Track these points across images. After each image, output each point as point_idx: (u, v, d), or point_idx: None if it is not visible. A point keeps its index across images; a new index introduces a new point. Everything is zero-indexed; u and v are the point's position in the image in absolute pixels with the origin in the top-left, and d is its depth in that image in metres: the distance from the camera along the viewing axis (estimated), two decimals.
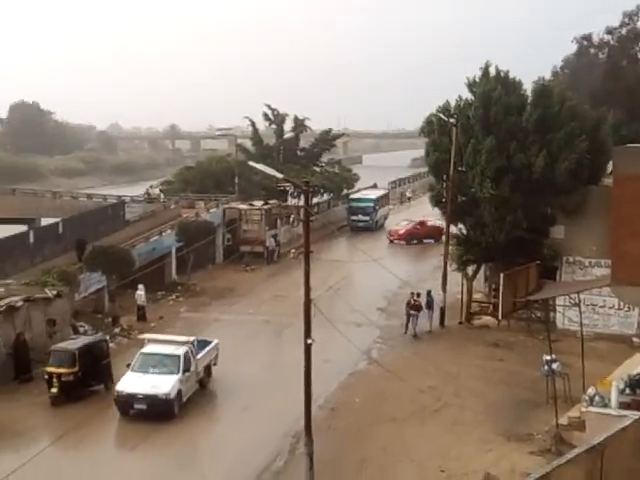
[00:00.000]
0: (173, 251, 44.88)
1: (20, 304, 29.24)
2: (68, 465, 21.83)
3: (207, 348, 28.42)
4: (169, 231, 44.99)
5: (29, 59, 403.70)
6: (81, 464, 22.10)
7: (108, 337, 31.29)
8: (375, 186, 78.26)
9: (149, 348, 27.01)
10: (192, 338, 27.40)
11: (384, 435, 23.87)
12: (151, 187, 60.45)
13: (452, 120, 35.50)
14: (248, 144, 71.34)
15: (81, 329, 32.95)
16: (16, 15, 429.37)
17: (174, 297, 41.57)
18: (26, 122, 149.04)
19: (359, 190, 72.01)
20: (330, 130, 74.43)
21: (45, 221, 46.39)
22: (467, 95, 36.50)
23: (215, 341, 29.33)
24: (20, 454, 20.84)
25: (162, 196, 56.04)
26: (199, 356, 27.34)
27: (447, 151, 35.53)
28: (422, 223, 59.05)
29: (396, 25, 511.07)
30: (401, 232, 59.05)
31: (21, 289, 30.94)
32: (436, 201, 37.98)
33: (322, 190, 66.33)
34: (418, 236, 58.42)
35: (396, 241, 58.48)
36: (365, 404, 26.64)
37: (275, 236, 53.15)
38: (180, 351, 26.38)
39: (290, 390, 23.81)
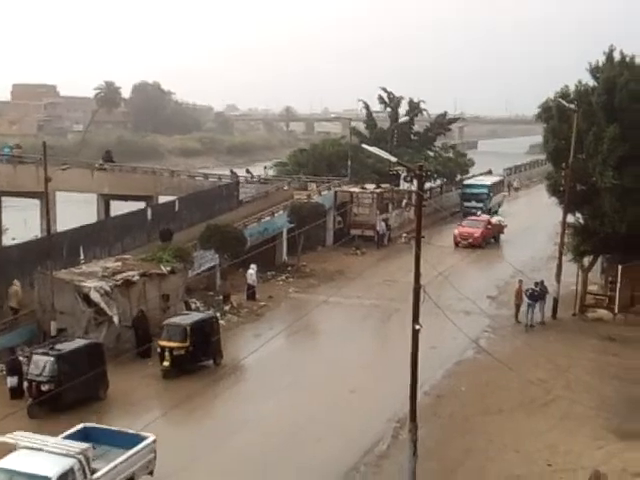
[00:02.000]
0: (284, 232, 45.28)
1: (136, 279, 30.15)
2: (177, 436, 22.37)
3: (128, 453, 18.12)
4: (281, 212, 45.38)
5: (153, 41, 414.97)
6: (190, 435, 22.63)
7: (219, 314, 31.95)
8: (490, 172, 76.90)
9: (11, 460, 16.82)
10: (88, 445, 17.29)
11: (490, 426, 23.48)
12: (265, 168, 61.08)
13: (572, 106, 34.33)
14: (362, 127, 71.32)
15: (193, 305, 33.75)
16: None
17: (284, 278, 42.01)
18: (147, 102, 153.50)
19: (473, 176, 70.95)
20: (445, 114, 73.60)
21: (162, 199, 47.55)
22: (587, 80, 35.24)
23: (150, 438, 18.94)
24: (133, 423, 21.46)
25: (253, 177, 55.61)
26: (101, 473, 17.13)
27: (566, 138, 34.41)
28: (490, 222, 53.71)
29: (514, 7, 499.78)
30: (477, 235, 51.29)
31: (137, 264, 31.87)
32: (553, 189, 36.93)
33: (435, 175, 65.70)
34: (489, 237, 52.85)
35: (461, 244, 50.82)
36: (471, 393, 26.26)
37: (386, 220, 52.96)
38: (54, 470, 16.17)
39: (396, 375, 23.72)
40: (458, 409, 24.86)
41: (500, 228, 54.38)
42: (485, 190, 64.73)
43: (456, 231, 51.83)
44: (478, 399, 25.69)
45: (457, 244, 51.06)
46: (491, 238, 53.08)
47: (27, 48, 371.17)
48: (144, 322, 29.03)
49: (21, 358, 25.18)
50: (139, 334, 28.65)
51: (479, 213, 57.52)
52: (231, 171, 57.20)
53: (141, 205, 45.30)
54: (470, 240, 50.79)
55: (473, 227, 52.16)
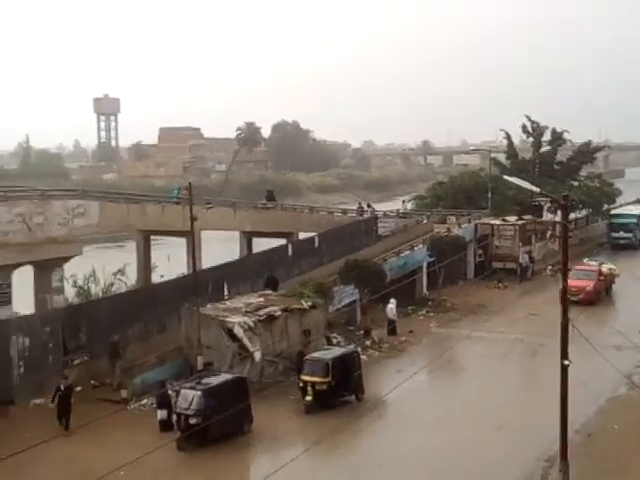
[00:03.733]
0: (424, 266, 44.94)
1: (279, 314, 30.59)
2: (321, 472, 22.36)
3: None
4: (420, 246, 45.10)
5: (292, 81, 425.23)
6: (333, 472, 22.58)
7: (360, 349, 31.86)
8: (639, 201, 73.92)
9: None
10: None
11: None
12: (403, 202, 61.06)
13: None
14: (501, 158, 70.23)
15: (334, 340, 33.82)
16: (284, 41, 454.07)
17: (424, 312, 41.53)
18: (286, 141, 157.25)
19: (621, 205, 68.36)
20: (590, 142, 71.53)
21: (302, 235, 48.23)
22: None
23: None
24: (276, 458, 21.73)
25: (370, 210, 55.04)
26: None
27: None
28: (601, 272, 44.19)
29: None
30: (589, 288, 42.26)
31: (279, 299, 32.36)
32: None
33: (580, 205, 63.73)
34: (602, 290, 44.06)
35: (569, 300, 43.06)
36: (625, 431, 24.92)
37: (529, 252, 51.63)
38: None
39: (543, 412, 22.94)
40: (611, 448, 23.67)
41: (612, 278, 45.38)
42: (634, 220, 62.17)
43: (568, 283, 43.83)
44: (632, 437, 24.37)
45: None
46: (603, 291, 44.58)
47: (172, 92, 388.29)
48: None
49: (170, 392, 25.90)
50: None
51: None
52: (359, 204, 57.62)
53: (282, 241, 46.10)
54: (581, 295, 40.99)
55: (583, 279, 42.35)
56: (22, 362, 27.19)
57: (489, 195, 56.48)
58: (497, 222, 52.62)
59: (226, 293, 34.75)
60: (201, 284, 32.06)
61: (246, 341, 28.88)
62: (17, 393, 26.92)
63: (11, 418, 25.86)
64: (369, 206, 56.55)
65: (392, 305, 37.15)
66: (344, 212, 54.46)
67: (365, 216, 51.27)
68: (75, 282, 40.31)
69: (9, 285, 34.11)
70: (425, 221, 51.61)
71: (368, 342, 35.22)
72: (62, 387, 25.24)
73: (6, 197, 34.45)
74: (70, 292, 40.40)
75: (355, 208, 55.63)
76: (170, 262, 43.64)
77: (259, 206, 51.35)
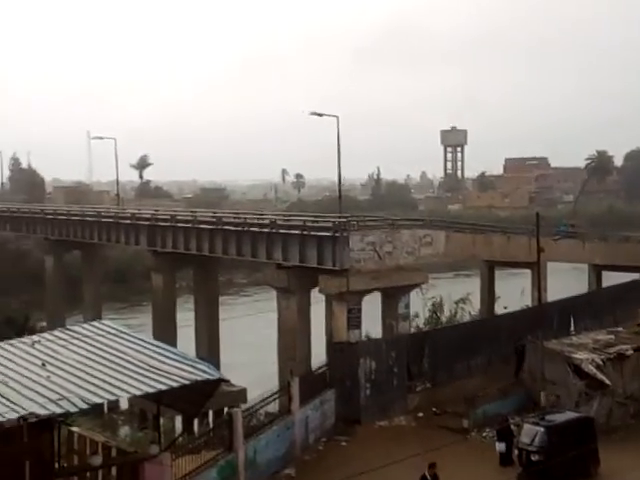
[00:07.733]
0: None
1: (630, 352, 28.84)
2: None
3: None
4: None
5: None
6: None
7: None
8: None
9: None
10: None
11: None
12: None
13: None
14: None
15: None
16: None
17: None
18: None
19: None
20: None
21: None
22: None
23: None
24: None
25: None
26: None
27: None
28: None
29: None
30: None
31: (632, 338, 30.60)
32: None
33: None
34: None
35: None
36: None
37: None
38: None
39: None
40: None
41: None
42: None
43: None
44: None
45: None
46: None
47: (516, 120, 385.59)
48: None
49: (512, 426, 25.40)
50: None
51: None
52: None
53: (635, 276, 43.53)
54: None
55: None
56: (368, 384, 28.39)
57: None
58: None
59: (572, 328, 33.56)
60: (546, 317, 31.23)
61: (601, 376, 27.49)
62: (363, 413, 28.13)
63: (357, 437, 27.05)
64: None
65: None
66: None
67: None
68: (435, 310, 40.39)
69: (359, 310, 35.81)
70: None
71: None
72: (428, 477, 20.63)
73: (359, 226, 36.28)
74: (418, 319, 41.08)
75: None
76: (523, 295, 42.89)
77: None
